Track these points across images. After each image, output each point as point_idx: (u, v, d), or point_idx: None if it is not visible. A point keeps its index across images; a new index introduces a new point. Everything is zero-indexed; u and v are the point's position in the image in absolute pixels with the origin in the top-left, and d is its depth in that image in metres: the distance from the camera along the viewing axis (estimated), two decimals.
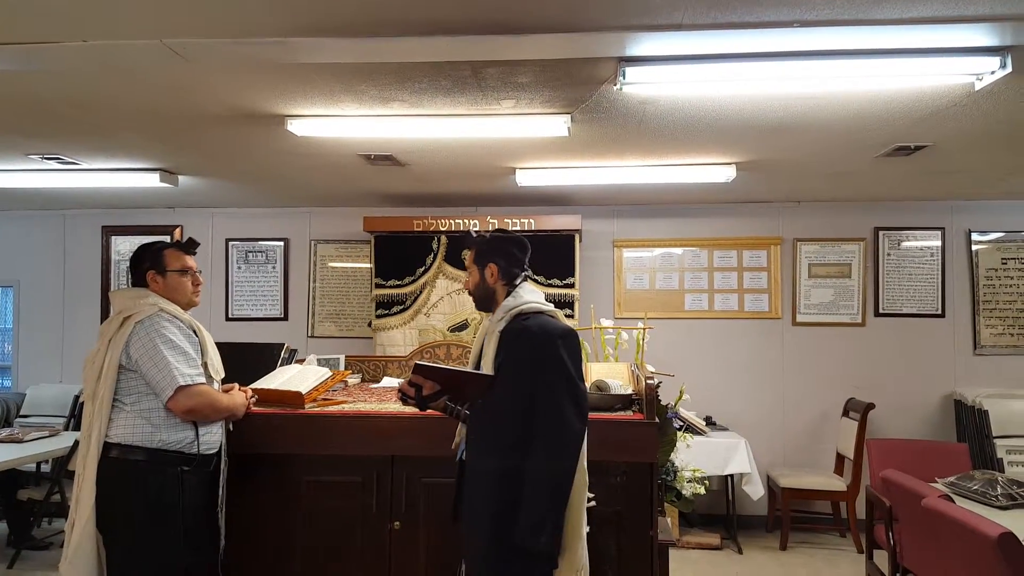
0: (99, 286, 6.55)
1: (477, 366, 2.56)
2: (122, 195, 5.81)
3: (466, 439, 2.51)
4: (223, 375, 2.88)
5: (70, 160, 4.63)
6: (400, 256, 5.78)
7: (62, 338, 6.57)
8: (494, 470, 2.35)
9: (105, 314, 6.50)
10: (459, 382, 2.48)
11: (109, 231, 6.56)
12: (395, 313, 5.76)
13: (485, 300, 2.59)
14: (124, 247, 6.52)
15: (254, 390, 3.08)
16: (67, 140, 4.20)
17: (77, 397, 6.04)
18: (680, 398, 3.99)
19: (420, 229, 5.70)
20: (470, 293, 2.64)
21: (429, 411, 2.55)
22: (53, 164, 4.71)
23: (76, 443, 4.60)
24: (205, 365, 2.75)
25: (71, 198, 6.00)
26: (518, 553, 2.27)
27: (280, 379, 3.22)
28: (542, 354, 2.34)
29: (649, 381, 2.90)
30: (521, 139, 4.03)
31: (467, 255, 2.66)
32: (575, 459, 2.33)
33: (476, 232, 2.69)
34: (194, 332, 2.77)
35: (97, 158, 4.62)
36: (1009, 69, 2.83)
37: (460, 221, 5.64)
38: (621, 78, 2.92)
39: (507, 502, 2.30)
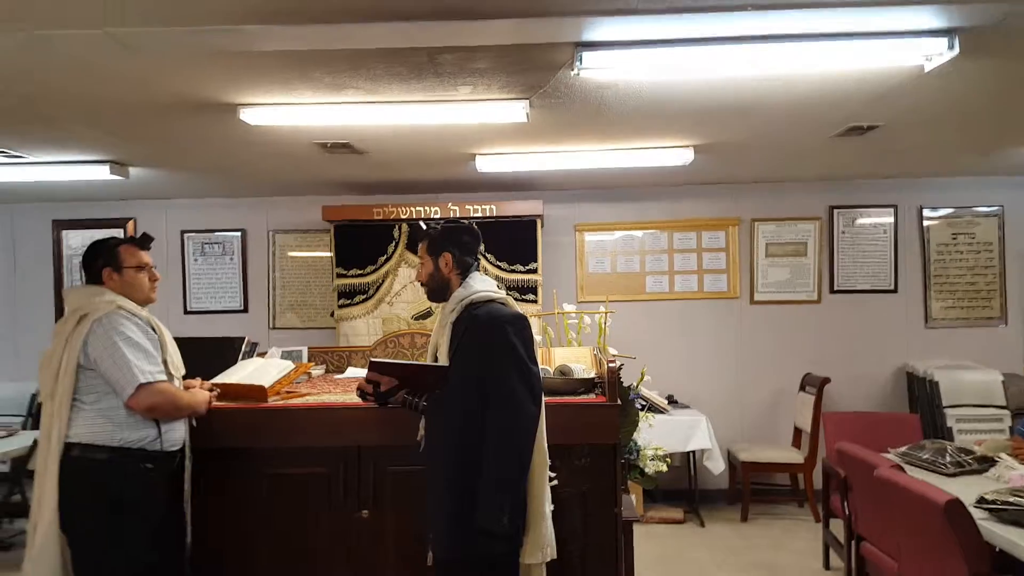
0: (51, 281, 6.40)
1: (436, 358, 2.58)
2: (72, 188, 5.67)
3: (424, 430, 2.52)
4: (183, 372, 2.83)
5: (16, 154, 4.50)
6: (361, 245, 5.74)
7: (15, 336, 6.41)
8: (452, 458, 2.39)
9: (59, 310, 6.35)
10: (415, 375, 2.49)
11: (60, 225, 6.40)
12: (358, 303, 5.73)
13: (439, 291, 2.61)
14: (76, 241, 6.37)
15: (216, 385, 3.04)
16: (12, 133, 4.07)
17: (35, 396, 5.91)
18: (641, 379, 4.03)
19: (380, 217, 5.66)
20: (423, 284, 2.64)
21: (390, 405, 2.56)
22: None
23: (35, 442, 4.51)
24: (165, 362, 2.70)
25: (19, 192, 5.83)
26: (481, 535, 2.31)
27: (242, 373, 3.19)
28: (492, 341, 2.38)
29: (611, 364, 2.93)
30: (480, 125, 4.01)
31: (420, 247, 2.67)
32: (531, 442, 2.38)
33: (426, 224, 2.69)
34: (152, 329, 2.72)
35: (44, 151, 4.50)
36: (957, 51, 2.89)
37: (421, 208, 5.62)
38: (578, 63, 2.93)
39: (467, 487, 2.34)
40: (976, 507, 2.79)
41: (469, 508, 2.32)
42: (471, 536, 2.32)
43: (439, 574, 2.48)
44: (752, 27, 2.80)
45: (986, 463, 3.46)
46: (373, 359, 2.47)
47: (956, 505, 2.56)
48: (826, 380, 5.48)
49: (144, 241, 2.85)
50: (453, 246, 2.57)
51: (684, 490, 5.75)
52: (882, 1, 2.62)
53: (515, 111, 3.66)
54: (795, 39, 2.89)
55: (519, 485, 2.36)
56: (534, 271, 5.66)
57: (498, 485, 2.31)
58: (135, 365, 2.55)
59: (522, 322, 2.45)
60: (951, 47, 2.90)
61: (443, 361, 2.45)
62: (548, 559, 2.44)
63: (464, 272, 2.57)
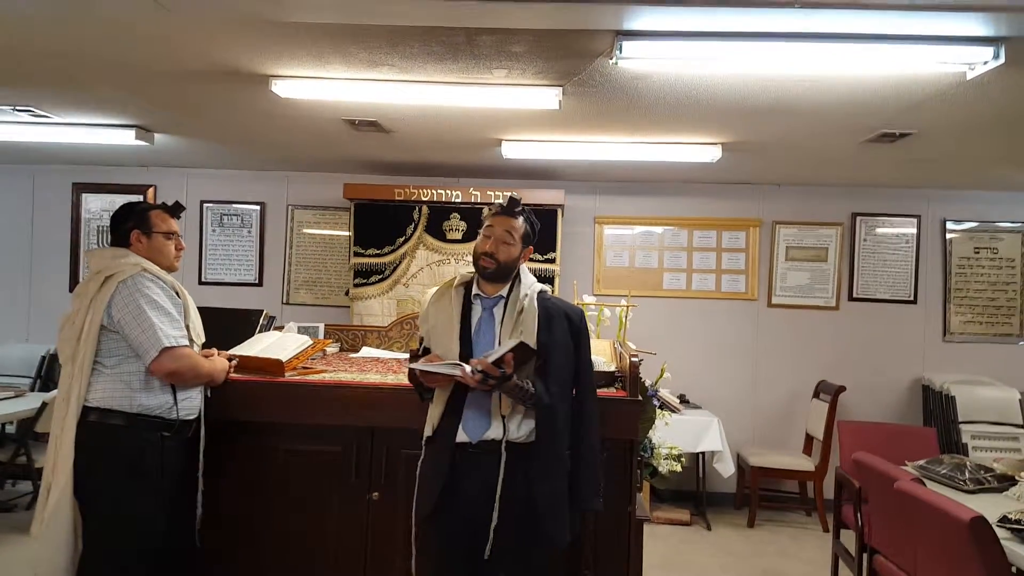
0: (68, 244, 6.38)
1: (465, 338, 2.49)
2: (94, 152, 5.65)
3: (538, 416, 2.40)
4: (204, 340, 2.82)
5: (42, 113, 4.47)
6: (380, 225, 5.71)
7: (29, 296, 6.40)
8: (564, 444, 2.42)
9: (75, 273, 6.35)
10: (525, 359, 2.38)
11: (80, 188, 6.38)
12: (373, 283, 5.71)
13: (506, 275, 2.52)
14: (95, 205, 6.36)
15: (234, 356, 3.02)
16: (41, 92, 4.04)
17: (44, 357, 5.91)
18: (661, 376, 3.99)
19: (401, 198, 5.63)
20: (496, 260, 2.46)
21: (404, 382, 2.50)
22: (24, 116, 4.54)
23: (43, 404, 4.51)
24: (187, 328, 2.69)
25: (41, 152, 5.81)
26: (582, 517, 2.52)
27: (259, 346, 3.17)
28: (581, 330, 2.52)
29: (633, 359, 2.90)
30: (510, 110, 3.97)
31: (502, 220, 2.50)
32: None
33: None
34: (176, 294, 2.71)
35: (71, 112, 4.47)
36: (1002, 60, 2.83)
37: (443, 191, 5.59)
38: (618, 52, 2.88)
39: (571, 471, 2.43)
40: (999, 526, 2.75)
41: (572, 491, 2.43)
42: (575, 516, 2.46)
43: (551, 561, 2.54)
44: (797, 24, 2.76)
45: (1006, 481, 3.41)
46: (524, 341, 2.32)
47: (981, 523, 2.51)
48: (841, 388, 5.42)
49: (176, 210, 2.85)
50: (534, 243, 2.59)
51: (691, 492, 5.71)
52: (929, 6, 2.56)
53: (548, 98, 3.61)
54: (838, 39, 2.85)
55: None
56: (552, 261, 5.63)
57: (597, 467, 2.48)
58: (159, 328, 2.54)
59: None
60: (996, 56, 2.85)
61: (529, 341, 2.38)
62: None
63: None
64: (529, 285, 2.52)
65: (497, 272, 2.48)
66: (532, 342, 2.37)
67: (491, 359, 2.28)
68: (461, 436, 2.42)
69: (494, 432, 2.41)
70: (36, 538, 2.53)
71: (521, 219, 2.52)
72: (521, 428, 2.42)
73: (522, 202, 2.57)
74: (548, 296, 2.55)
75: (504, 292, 2.53)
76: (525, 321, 2.42)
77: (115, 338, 2.57)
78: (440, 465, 2.43)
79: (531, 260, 5.52)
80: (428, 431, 2.49)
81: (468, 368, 2.29)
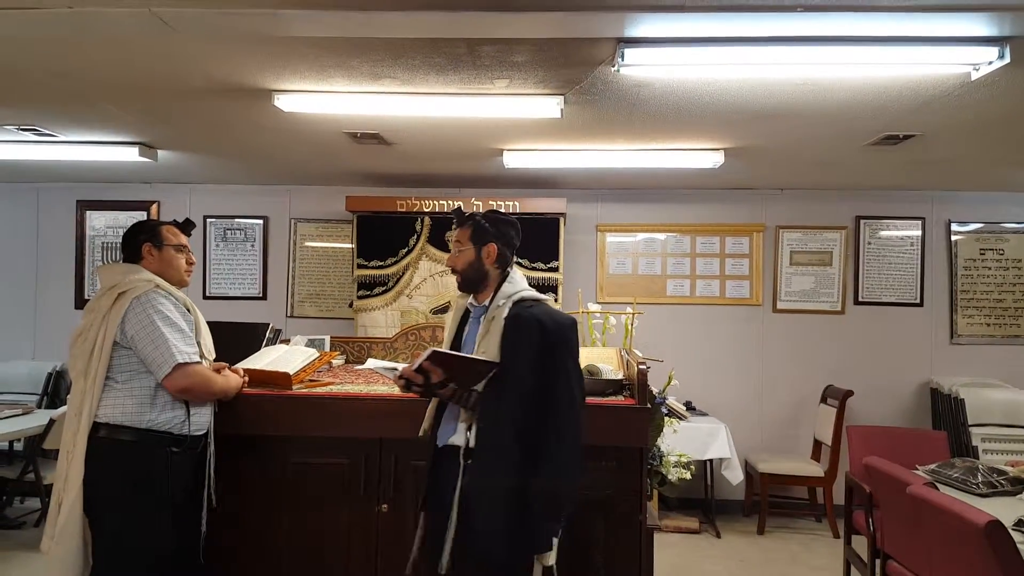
0: (73, 261, 6.39)
1: (455, 347, 2.53)
2: (98, 169, 5.66)
3: (478, 425, 2.36)
4: (214, 356, 2.82)
5: (47, 132, 4.49)
6: (383, 237, 5.70)
7: (34, 314, 6.41)
8: (513, 455, 2.28)
9: (80, 290, 6.36)
10: (468, 370, 2.37)
11: (84, 206, 6.39)
12: (377, 294, 5.70)
13: (475, 281, 2.52)
14: (99, 222, 6.37)
15: (244, 371, 3.01)
16: (45, 111, 4.06)
17: (51, 374, 5.92)
18: (668, 383, 3.97)
19: (404, 210, 5.63)
20: (455, 271, 2.55)
21: (411, 393, 2.48)
22: (29, 136, 4.56)
23: (51, 421, 4.51)
24: (198, 345, 2.69)
25: (45, 171, 5.83)
26: (540, 537, 2.28)
27: (267, 359, 3.16)
28: (557, 342, 2.34)
29: (641, 367, 2.88)
30: (511, 120, 3.97)
31: (456, 232, 2.59)
32: (581, 441, 2.33)
33: (466, 211, 2.64)
34: (188, 311, 2.72)
35: (75, 130, 4.49)
36: (1007, 60, 2.83)
37: (444, 202, 5.59)
38: (619, 59, 2.88)
39: (524, 488, 2.26)
40: (1015, 529, 2.72)
41: (527, 509, 2.26)
42: (528, 538, 2.28)
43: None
44: (799, 28, 2.75)
45: (1019, 484, 3.39)
46: (436, 350, 2.32)
47: (997, 527, 2.49)
48: (849, 393, 5.39)
49: (187, 226, 2.89)
50: (498, 238, 2.51)
51: (700, 499, 5.67)
52: (933, 6, 2.56)
53: (549, 107, 3.61)
54: (841, 42, 2.84)
55: (576, 486, 2.32)
56: (555, 269, 5.61)
57: (562, 485, 2.28)
58: (173, 344, 2.55)
59: (576, 327, 2.45)
60: (1001, 56, 2.85)
61: (490, 355, 2.34)
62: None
63: (503, 268, 2.53)
64: (507, 294, 2.45)
65: (465, 281, 2.55)
66: (494, 352, 2.34)
67: (413, 366, 2.32)
68: (440, 439, 2.51)
69: (457, 439, 2.41)
70: (46, 554, 2.53)
71: (468, 224, 2.55)
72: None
73: (465, 210, 2.64)
74: (530, 304, 2.43)
75: (488, 301, 2.51)
76: (491, 331, 2.38)
77: (127, 354, 2.58)
78: (429, 465, 2.56)
79: (534, 269, 5.52)
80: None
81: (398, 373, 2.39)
